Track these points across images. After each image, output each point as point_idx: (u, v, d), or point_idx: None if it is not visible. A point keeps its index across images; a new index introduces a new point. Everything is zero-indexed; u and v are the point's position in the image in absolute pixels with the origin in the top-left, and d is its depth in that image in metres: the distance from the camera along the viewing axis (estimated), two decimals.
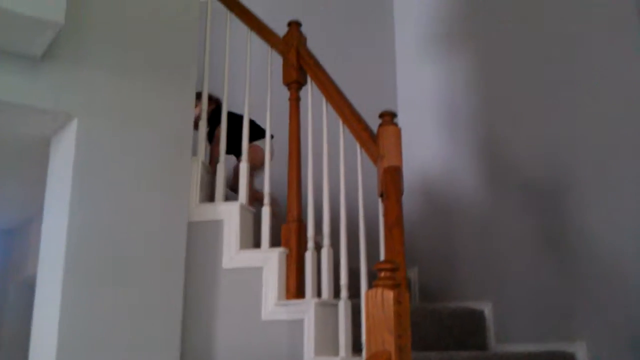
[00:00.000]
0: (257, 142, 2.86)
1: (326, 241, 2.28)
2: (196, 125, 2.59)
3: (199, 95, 2.61)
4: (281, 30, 2.67)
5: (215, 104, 3.01)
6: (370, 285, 1.63)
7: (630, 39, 2.88)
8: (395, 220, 1.82)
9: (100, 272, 2.04)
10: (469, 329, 2.99)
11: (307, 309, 2.16)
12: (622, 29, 2.93)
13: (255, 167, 2.85)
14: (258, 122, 2.82)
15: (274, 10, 3.09)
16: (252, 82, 2.67)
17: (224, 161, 2.56)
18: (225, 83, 2.68)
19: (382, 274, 1.54)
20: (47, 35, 1.88)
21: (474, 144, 3.57)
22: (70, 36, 2.07)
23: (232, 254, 2.33)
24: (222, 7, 2.75)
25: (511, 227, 3.21)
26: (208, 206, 2.44)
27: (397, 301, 1.50)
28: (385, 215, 1.88)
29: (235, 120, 2.71)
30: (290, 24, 2.64)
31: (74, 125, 2.07)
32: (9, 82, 1.94)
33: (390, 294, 1.50)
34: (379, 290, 1.52)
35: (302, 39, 2.62)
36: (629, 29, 2.90)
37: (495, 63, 3.57)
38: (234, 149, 2.77)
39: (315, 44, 2.69)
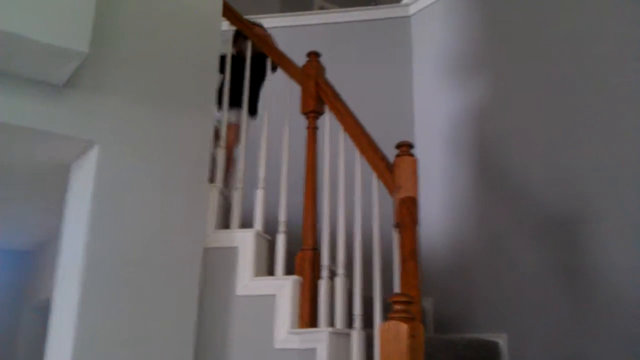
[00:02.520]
0: (231, 117, 2.89)
1: (340, 270, 2.28)
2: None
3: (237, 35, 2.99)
4: (300, 60, 2.70)
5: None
6: (384, 316, 1.63)
7: None
8: (410, 252, 1.82)
9: (115, 296, 2.05)
10: None
11: (320, 338, 2.15)
12: (637, 57, 2.93)
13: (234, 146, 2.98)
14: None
15: (293, 41, 3.14)
16: (271, 111, 2.70)
17: (241, 188, 2.58)
18: (244, 111, 2.72)
19: (397, 307, 1.54)
20: (71, 64, 1.93)
21: (490, 174, 3.56)
22: (93, 64, 2.11)
23: (246, 281, 2.34)
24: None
25: (527, 257, 3.19)
26: (223, 233, 2.45)
27: (411, 335, 1.49)
28: (401, 247, 1.88)
29: (239, 66, 2.82)
30: (309, 55, 2.67)
31: (94, 152, 2.11)
32: (33, 108, 1.98)
33: (404, 328, 1.50)
34: (394, 323, 1.52)
35: (320, 69, 2.65)
36: None
37: (510, 93, 3.58)
38: (237, 100, 2.83)
39: (334, 74, 2.72)
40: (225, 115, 2.76)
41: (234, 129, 2.98)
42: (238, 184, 2.59)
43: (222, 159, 2.67)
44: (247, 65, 2.82)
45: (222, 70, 2.77)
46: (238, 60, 2.92)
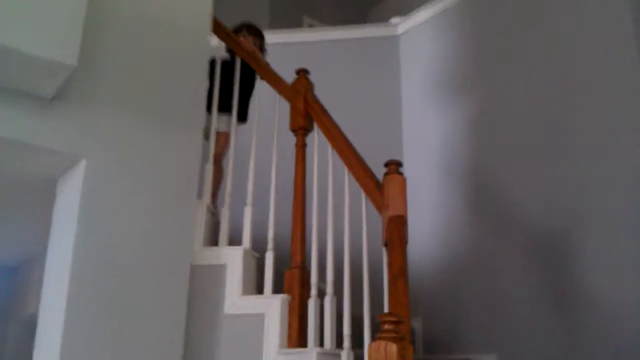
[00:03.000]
0: (220, 125, 2.88)
1: (329, 289, 2.26)
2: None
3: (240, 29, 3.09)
4: (289, 77, 2.71)
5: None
6: (373, 336, 1.61)
7: (632, 89, 2.91)
8: (399, 271, 1.80)
9: (102, 312, 2.02)
10: None
11: (309, 359, 2.12)
12: (623, 80, 2.97)
13: (222, 153, 2.97)
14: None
15: (283, 58, 3.15)
16: (260, 127, 2.70)
17: (229, 204, 2.56)
18: (233, 127, 2.72)
19: (386, 327, 1.52)
20: (59, 77, 1.91)
21: (480, 193, 3.57)
22: (82, 78, 2.09)
23: (234, 299, 2.31)
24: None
25: (516, 278, 3.19)
26: (212, 250, 2.43)
27: (401, 355, 1.48)
28: (390, 265, 1.87)
29: (229, 71, 2.83)
30: (298, 72, 2.68)
31: (81, 166, 2.08)
32: (20, 121, 1.95)
33: (393, 348, 1.48)
34: (383, 343, 1.50)
35: (309, 87, 2.65)
36: (630, 80, 2.93)
37: (499, 112, 3.60)
38: (227, 105, 2.82)
39: (322, 92, 2.73)
40: (215, 121, 2.75)
41: (224, 137, 2.96)
42: (226, 200, 2.57)
43: (210, 174, 2.65)
44: (237, 68, 2.83)
45: (211, 75, 2.77)
46: (228, 65, 2.91)
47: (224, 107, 2.84)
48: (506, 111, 3.54)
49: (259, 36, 3.29)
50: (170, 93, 2.35)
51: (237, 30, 3.25)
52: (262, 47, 3.29)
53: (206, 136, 2.68)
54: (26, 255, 3.56)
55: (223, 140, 2.94)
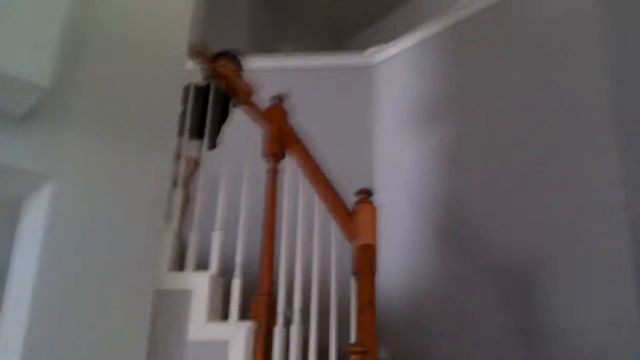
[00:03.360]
0: (192, 149, 2.87)
1: (296, 317, 2.24)
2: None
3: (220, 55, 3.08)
4: (264, 102, 2.71)
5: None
6: None
7: (600, 126, 2.98)
8: (367, 301, 1.80)
9: (61, 338, 1.97)
10: None
11: None
12: (592, 117, 3.04)
13: (191, 177, 2.93)
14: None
15: (257, 82, 3.16)
16: (232, 152, 2.69)
17: (197, 228, 2.54)
18: (203, 150, 2.71)
19: (352, 357, 1.52)
20: (30, 98, 1.88)
21: (449, 223, 3.60)
22: (54, 99, 2.06)
23: (199, 326, 2.28)
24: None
25: (484, 309, 3.20)
26: (177, 275, 2.40)
27: None
28: (358, 295, 1.87)
29: (203, 96, 2.84)
30: (273, 98, 2.68)
31: (48, 187, 2.04)
32: None
33: None
34: None
35: (284, 113, 2.66)
36: (598, 117, 3.00)
37: (471, 144, 3.65)
38: (199, 130, 2.83)
39: (297, 118, 2.73)
40: (185, 146, 2.74)
41: (193, 162, 2.94)
42: (195, 224, 2.55)
43: (179, 198, 2.63)
44: (211, 93, 2.84)
45: (185, 99, 2.76)
46: (202, 90, 2.91)
47: (196, 133, 2.83)
48: (478, 144, 3.59)
49: (238, 63, 3.28)
50: (142, 117, 2.33)
51: (217, 56, 3.25)
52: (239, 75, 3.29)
53: (176, 158, 2.65)
54: None
55: (192, 165, 2.92)
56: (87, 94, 2.18)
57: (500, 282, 3.19)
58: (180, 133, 2.71)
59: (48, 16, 1.87)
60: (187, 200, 2.86)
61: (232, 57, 3.27)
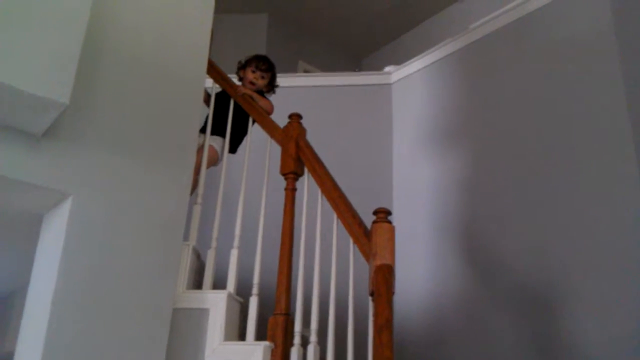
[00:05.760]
0: (212, 141, 2.92)
1: (313, 337, 2.22)
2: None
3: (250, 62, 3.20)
4: (282, 121, 2.72)
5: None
6: None
7: (615, 143, 2.95)
8: (385, 322, 1.77)
9: (80, 353, 1.97)
10: None
11: None
12: (606, 135, 3.00)
13: (208, 166, 2.93)
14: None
15: (276, 102, 3.17)
16: (250, 170, 2.69)
17: (214, 248, 2.53)
18: (223, 169, 2.71)
19: None
20: (50, 115, 1.90)
21: (467, 242, 3.56)
22: (73, 115, 2.08)
23: (215, 345, 2.26)
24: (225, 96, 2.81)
25: (504, 332, 3.15)
26: (195, 293, 2.39)
27: None
28: (375, 316, 1.84)
29: (223, 100, 2.91)
30: (291, 116, 2.69)
31: (67, 204, 2.06)
32: (9, 157, 1.93)
33: None
34: None
35: (302, 131, 2.66)
36: (613, 134, 2.97)
37: (490, 163, 3.62)
38: (219, 129, 2.89)
39: (314, 137, 2.73)
40: (208, 139, 2.80)
41: (213, 150, 2.96)
42: (213, 243, 2.54)
43: (198, 216, 2.63)
44: (231, 108, 2.88)
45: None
46: (223, 95, 2.97)
47: (217, 132, 2.91)
48: (496, 162, 3.56)
49: (269, 71, 3.26)
50: (161, 134, 2.34)
51: (248, 62, 3.27)
52: (271, 83, 3.29)
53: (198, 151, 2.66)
54: (7, 290, 3.49)
55: (212, 153, 2.93)
56: (106, 112, 2.20)
57: (520, 301, 3.14)
58: (202, 130, 2.81)
59: (67, 35, 1.90)
60: (195, 186, 2.79)
61: (260, 63, 3.25)
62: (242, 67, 3.28)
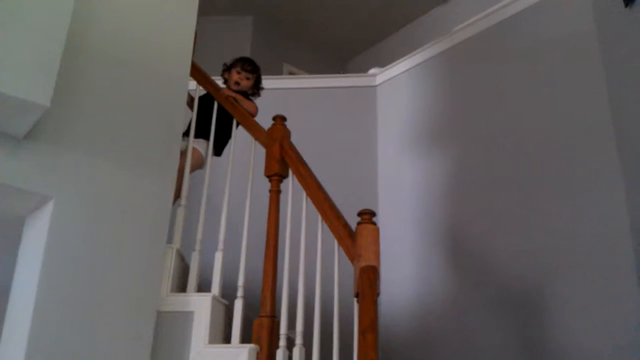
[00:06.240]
0: (196, 144, 2.90)
1: (299, 340, 2.21)
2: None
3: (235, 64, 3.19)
4: (266, 123, 2.71)
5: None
6: None
7: (597, 146, 2.97)
8: (369, 323, 1.77)
9: (61, 357, 1.95)
10: None
11: None
12: (590, 138, 3.03)
13: (193, 170, 2.91)
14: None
15: (261, 104, 3.16)
16: (234, 172, 2.68)
17: (199, 251, 2.52)
18: (207, 171, 2.70)
19: None
20: (31, 117, 1.88)
21: (452, 244, 3.58)
22: (55, 118, 2.06)
23: (200, 348, 2.25)
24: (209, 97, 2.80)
25: (489, 330, 3.16)
26: (179, 296, 2.37)
27: None
28: (360, 317, 1.84)
29: (206, 102, 2.90)
30: (275, 118, 2.68)
31: (49, 206, 2.04)
32: None
33: None
34: None
35: (286, 133, 2.66)
36: (596, 138, 3.00)
37: (475, 165, 3.64)
38: (204, 132, 2.87)
39: (299, 138, 2.73)
40: (191, 142, 2.78)
41: (197, 153, 2.93)
42: (197, 245, 2.53)
43: (182, 219, 2.61)
44: (215, 109, 2.87)
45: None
46: (207, 98, 2.96)
47: (202, 135, 2.89)
48: (480, 163, 3.58)
49: (254, 73, 3.25)
50: (144, 137, 2.33)
51: (233, 64, 3.26)
52: (256, 85, 3.28)
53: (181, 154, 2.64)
54: None
55: (196, 156, 2.91)
56: (88, 114, 2.19)
57: (507, 303, 3.15)
58: (186, 134, 2.79)
59: (48, 36, 1.89)
60: (179, 189, 2.76)
61: (245, 64, 3.24)
62: (227, 69, 3.27)
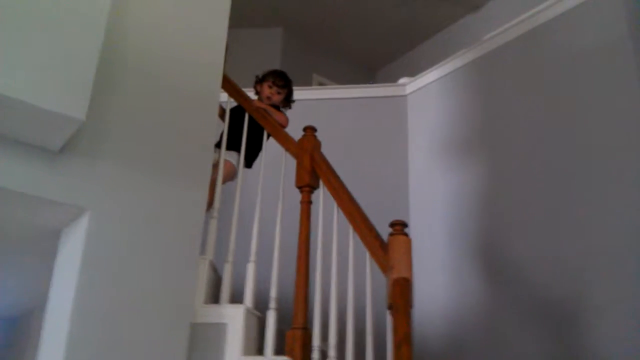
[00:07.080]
0: (228, 156, 2.92)
1: (332, 352, 2.20)
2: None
3: (267, 76, 3.20)
4: (297, 134, 2.72)
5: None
6: None
7: (631, 152, 2.91)
8: (403, 336, 1.75)
9: None
10: None
11: None
12: (622, 142, 2.97)
13: (225, 181, 2.93)
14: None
15: (291, 115, 3.17)
16: (265, 183, 2.69)
17: (231, 262, 2.52)
18: (239, 183, 2.71)
19: None
20: (67, 131, 1.92)
21: (485, 255, 3.53)
22: (90, 132, 2.10)
23: None
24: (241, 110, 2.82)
25: (523, 342, 3.11)
26: (212, 308, 2.38)
27: None
28: (394, 330, 1.82)
29: (238, 114, 2.92)
30: (305, 129, 2.69)
31: (85, 219, 2.06)
32: (27, 173, 1.95)
33: None
34: None
35: (316, 144, 2.65)
36: (629, 143, 2.94)
37: (507, 175, 3.59)
38: (235, 144, 2.89)
39: (329, 149, 2.73)
40: (223, 154, 2.81)
41: (229, 165, 2.97)
42: (229, 257, 2.54)
43: (214, 231, 2.62)
44: (245, 120, 2.89)
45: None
46: (238, 110, 2.99)
47: (233, 147, 2.91)
48: (512, 174, 3.53)
49: (285, 87, 3.26)
50: (177, 149, 2.35)
51: (265, 77, 3.28)
52: (287, 98, 3.29)
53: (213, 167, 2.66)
54: (26, 307, 3.50)
55: (228, 167, 2.94)
56: (122, 128, 2.21)
57: (542, 314, 3.09)
58: (218, 145, 2.81)
59: (82, 52, 1.92)
60: (212, 201, 2.78)
61: (277, 78, 3.26)
62: (259, 82, 3.29)
